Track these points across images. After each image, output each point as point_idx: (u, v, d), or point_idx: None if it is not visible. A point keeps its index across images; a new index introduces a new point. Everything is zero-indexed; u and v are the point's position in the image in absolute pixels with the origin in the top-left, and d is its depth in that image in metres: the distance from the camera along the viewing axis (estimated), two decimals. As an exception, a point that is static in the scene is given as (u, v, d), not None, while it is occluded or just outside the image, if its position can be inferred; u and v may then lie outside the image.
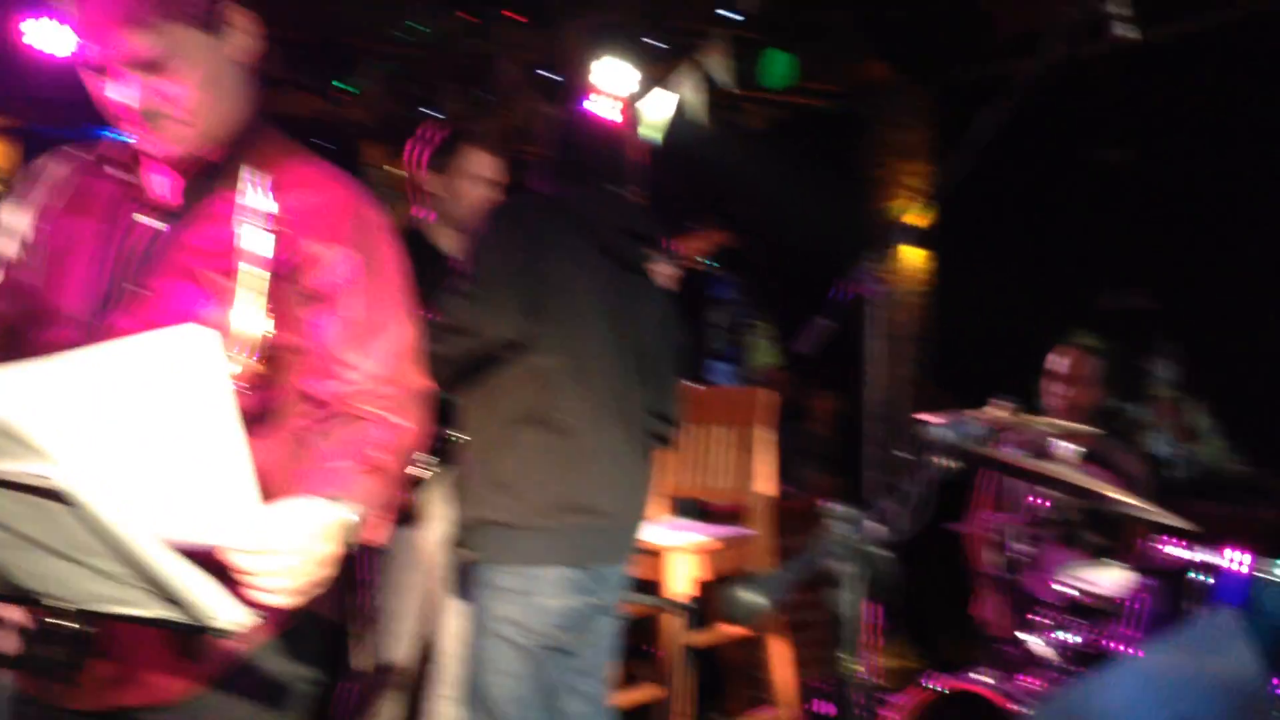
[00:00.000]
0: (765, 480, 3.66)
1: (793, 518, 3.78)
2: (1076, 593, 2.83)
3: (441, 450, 2.74)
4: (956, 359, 5.54)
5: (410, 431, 1.65)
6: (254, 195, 1.59)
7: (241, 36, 1.64)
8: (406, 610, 2.97)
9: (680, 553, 3.37)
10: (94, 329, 1.56)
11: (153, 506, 1.28)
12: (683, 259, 3.06)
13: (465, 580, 2.59)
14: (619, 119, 3.66)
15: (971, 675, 2.80)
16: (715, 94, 5.52)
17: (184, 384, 1.28)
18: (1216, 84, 4.70)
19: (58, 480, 1.12)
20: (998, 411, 2.53)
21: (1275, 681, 2.16)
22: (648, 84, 5.46)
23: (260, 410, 1.56)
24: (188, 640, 1.51)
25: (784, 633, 3.66)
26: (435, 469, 2.88)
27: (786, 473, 4.24)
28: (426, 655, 3.00)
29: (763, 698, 3.75)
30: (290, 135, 1.74)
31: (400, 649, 2.98)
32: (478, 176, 3.11)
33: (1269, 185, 4.34)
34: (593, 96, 5.20)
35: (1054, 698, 2.44)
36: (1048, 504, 3.08)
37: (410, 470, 1.68)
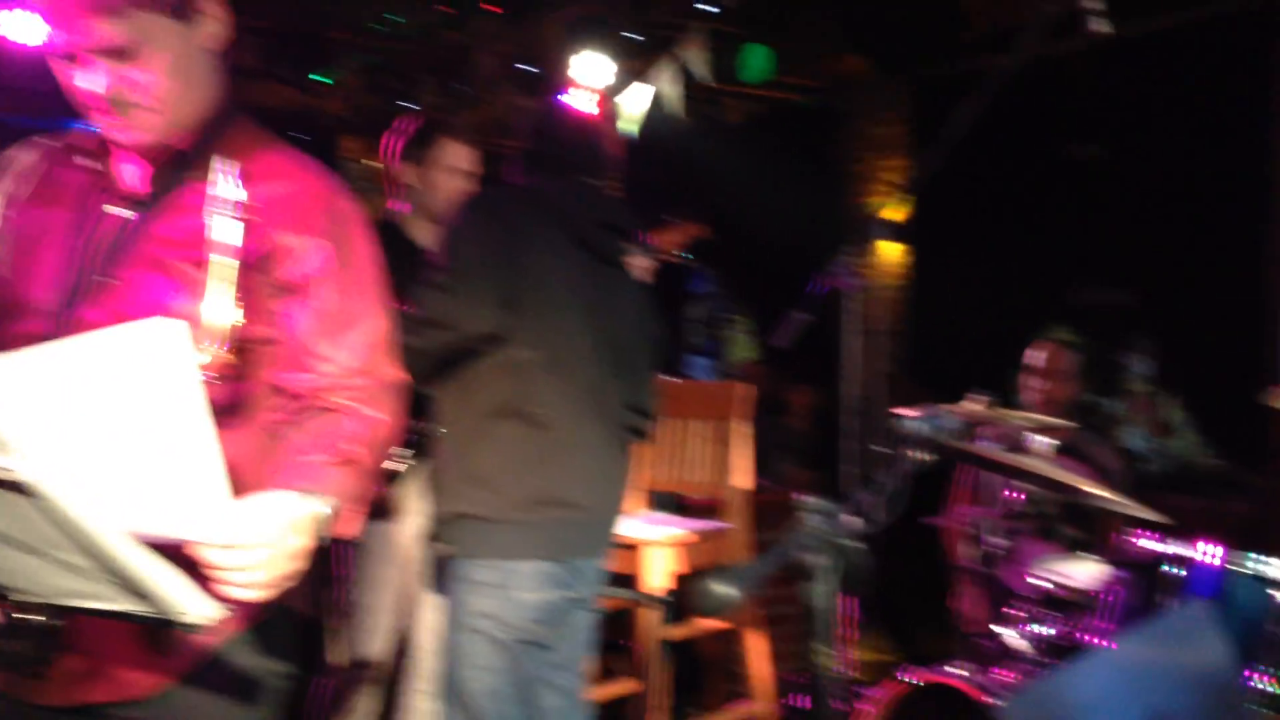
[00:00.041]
0: (742, 474, 3.66)
1: (770, 511, 3.79)
2: (1051, 586, 2.84)
3: (417, 443, 2.73)
4: (933, 354, 5.57)
5: (384, 424, 1.64)
6: (224, 185, 1.58)
7: (212, 24, 1.63)
8: (382, 605, 2.95)
9: (657, 546, 3.37)
10: (63, 320, 1.54)
11: (122, 500, 1.27)
12: (658, 252, 3.06)
13: (441, 574, 2.58)
14: (596, 112, 3.65)
15: (946, 668, 2.81)
16: (693, 88, 5.52)
17: (152, 377, 1.27)
18: (1190, 80, 4.73)
19: (23, 473, 1.10)
20: (973, 406, 2.55)
21: (1246, 673, 2.18)
22: (625, 77, 5.45)
23: (231, 402, 1.55)
24: (157, 635, 1.49)
25: (761, 626, 3.66)
26: (411, 462, 2.86)
27: (764, 467, 4.25)
28: (402, 650, 2.99)
29: (739, 691, 3.75)
30: (266, 127, 1.72)
31: (375, 643, 2.97)
32: (454, 168, 3.09)
33: (1242, 181, 4.37)
34: (570, 89, 5.19)
35: (1028, 690, 2.45)
36: (1023, 498, 3.09)
37: (385, 463, 1.67)
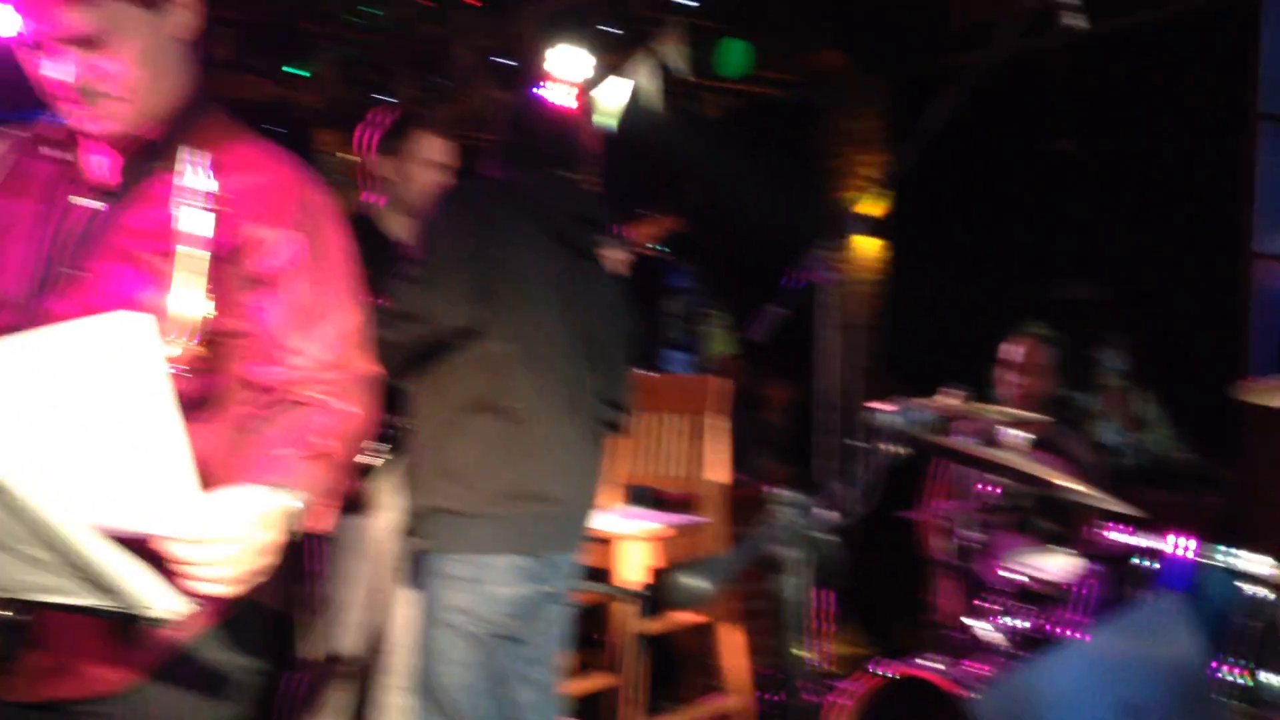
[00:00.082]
0: (719, 468, 3.67)
1: (747, 506, 3.79)
2: (1025, 579, 2.86)
3: (392, 438, 2.72)
4: (910, 348, 5.58)
5: (357, 417, 1.63)
6: (193, 175, 1.56)
7: (183, 13, 1.61)
8: (354, 600, 2.94)
9: (632, 540, 3.37)
10: (30, 312, 1.53)
11: (89, 494, 1.26)
12: (634, 244, 3.05)
13: (416, 569, 2.57)
14: (574, 105, 3.64)
15: (919, 661, 2.82)
16: (671, 82, 5.51)
17: (120, 370, 1.26)
18: (1166, 76, 4.75)
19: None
20: (948, 399, 2.55)
21: (1215, 664, 2.20)
22: (603, 71, 5.44)
23: (201, 396, 1.54)
24: (125, 630, 1.48)
25: (737, 621, 3.67)
26: (385, 456, 2.85)
27: (741, 461, 4.25)
28: (375, 645, 2.98)
29: (715, 686, 3.76)
30: (241, 120, 1.71)
31: (348, 639, 2.95)
32: (429, 161, 3.08)
33: (1217, 177, 4.40)
34: (548, 83, 5.17)
35: (1000, 682, 2.46)
36: (998, 492, 3.10)
37: (359, 457, 1.66)
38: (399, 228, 3.05)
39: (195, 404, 1.49)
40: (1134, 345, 4.66)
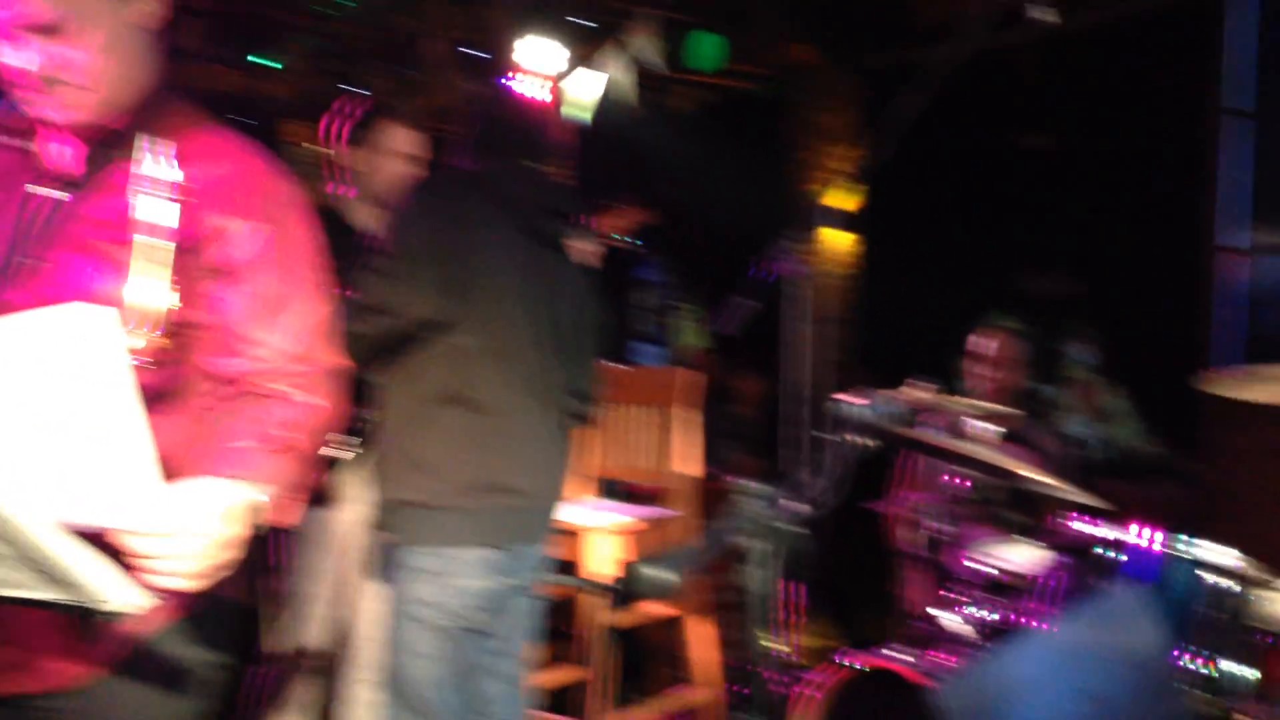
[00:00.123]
0: (689, 461, 3.67)
1: (717, 498, 3.79)
2: (992, 570, 2.87)
3: (359, 430, 2.70)
4: (880, 341, 5.60)
5: (322, 410, 1.62)
6: (153, 164, 1.55)
7: (148, 2, 1.59)
8: (321, 593, 2.93)
9: (601, 533, 3.37)
10: (-11, 303, 1.51)
11: (48, 487, 1.24)
12: (604, 236, 3.05)
13: (384, 563, 2.56)
14: (545, 98, 3.63)
15: (886, 652, 2.83)
16: (643, 75, 5.51)
17: (80, 361, 1.25)
18: (1130, 71, 4.79)
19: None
20: (915, 392, 2.57)
21: (1177, 653, 2.22)
22: (575, 63, 5.42)
23: (164, 388, 1.52)
24: (85, 624, 1.46)
25: (706, 613, 3.68)
26: (352, 449, 2.83)
27: (712, 454, 4.26)
28: (342, 639, 2.96)
29: (684, 678, 3.76)
30: (208, 110, 1.69)
31: (314, 633, 2.94)
32: (398, 152, 3.06)
33: (1182, 172, 4.44)
34: (518, 75, 5.15)
35: (966, 672, 2.47)
36: (968, 484, 3.12)
37: (325, 450, 1.65)
38: (367, 219, 3.03)
39: (158, 396, 1.48)
40: (1101, 337, 4.70)
